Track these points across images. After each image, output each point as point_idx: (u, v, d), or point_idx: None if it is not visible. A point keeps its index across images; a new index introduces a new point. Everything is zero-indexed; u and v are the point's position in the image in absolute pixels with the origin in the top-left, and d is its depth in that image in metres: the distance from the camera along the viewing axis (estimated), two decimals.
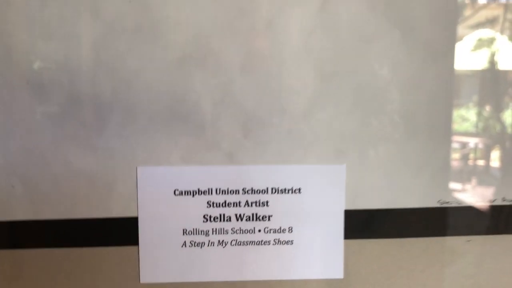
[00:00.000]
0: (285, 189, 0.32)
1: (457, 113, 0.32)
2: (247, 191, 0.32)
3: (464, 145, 0.33)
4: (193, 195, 0.32)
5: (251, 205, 0.32)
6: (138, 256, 0.33)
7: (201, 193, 0.32)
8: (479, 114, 0.33)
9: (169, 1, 0.30)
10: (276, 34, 0.30)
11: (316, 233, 0.33)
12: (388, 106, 0.32)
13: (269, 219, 0.33)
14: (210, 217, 0.32)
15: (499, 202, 0.33)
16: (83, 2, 0.29)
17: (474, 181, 0.34)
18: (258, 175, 0.32)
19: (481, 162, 0.33)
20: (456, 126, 0.32)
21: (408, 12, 0.31)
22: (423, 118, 0.32)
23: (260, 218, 0.33)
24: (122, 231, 0.32)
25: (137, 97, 0.30)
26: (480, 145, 0.34)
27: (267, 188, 0.32)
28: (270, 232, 0.33)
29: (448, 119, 0.32)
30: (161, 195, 0.32)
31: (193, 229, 0.33)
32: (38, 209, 0.32)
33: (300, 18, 0.30)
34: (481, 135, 0.34)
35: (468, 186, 0.33)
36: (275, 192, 0.32)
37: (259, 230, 0.33)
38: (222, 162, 0.32)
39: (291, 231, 0.33)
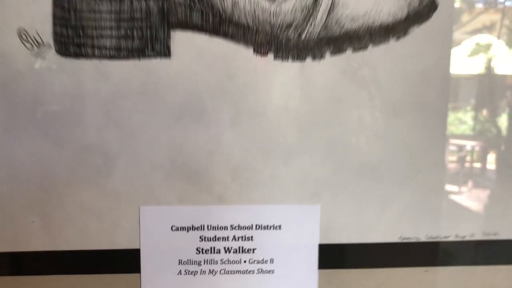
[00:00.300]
0: (267, 226, 0.37)
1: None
2: (235, 227, 0.37)
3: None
4: (187, 231, 0.37)
5: (238, 240, 0.37)
6: (140, 282, 0.37)
7: (195, 229, 0.36)
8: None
9: (169, 67, 0.34)
10: (260, 94, 0.35)
11: (294, 264, 0.37)
12: (356, 156, 0.36)
13: (253, 252, 0.37)
14: (202, 249, 0.37)
15: (452, 238, 0.38)
16: (95, 67, 0.34)
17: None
18: (244, 213, 0.36)
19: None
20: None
21: (373, 77, 0.36)
22: (386, 166, 0.36)
23: (246, 250, 0.37)
24: (127, 261, 0.36)
25: (141, 147, 0.35)
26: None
27: (252, 225, 0.37)
28: (254, 263, 0.37)
29: (411, 165, 0.37)
30: (160, 230, 0.36)
31: (187, 259, 0.37)
32: (54, 241, 0.36)
33: (281, 82, 0.35)
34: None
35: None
36: (258, 228, 0.37)
37: (245, 261, 0.37)
38: (213, 203, 0.36)
39: (272, 262, 0.37)
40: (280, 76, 0.35)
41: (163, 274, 0.36)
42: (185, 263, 0.36)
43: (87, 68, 0.34)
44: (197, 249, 0.36)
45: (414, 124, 0.36)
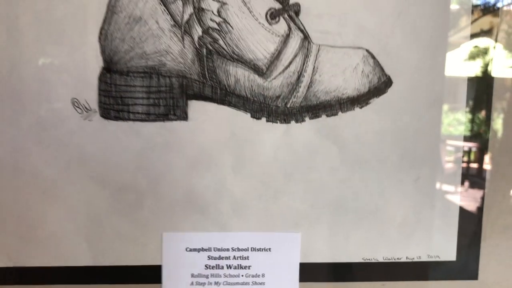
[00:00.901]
0: (260, 248, 0.46)
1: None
2: (235, 249, 0.46)
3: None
4: (198, 251, 0.46)
5: (237, 259, 0.46)
6: None
7: (204, 250, 0.46)
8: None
9: (186, 127, 0.44)
10: (255, 148, 0.45)
11: (280, 278, 0.47)
12: (328, 195, 0.46)
13: (249, 268, 0.46)
14: (210, 266, 0.46)
15: (403, 260, 0.48)
16: (130, 127, 0.44)
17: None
18: (242, 239, 0.46)
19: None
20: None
21: (341, 136, 0.45)
22: (351, 203, 0.45)
23: (243, 267, 0.46)
24: (151, 274, 0.46)
25: (164, 188, 0.44)
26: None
27: (248, 247, 0.46)
28: (249, 277, 0.46)
29: (370, 203, 0.46)
30: (177, 251, 0.46)
31: (198, 273, 0.46)
32: (98, 259, 0.46)
33: (272, 139, 0.45)
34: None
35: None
36: (253, 250, 0.46)
37: (242, 275, 0.46)
38: (218, 230, 0.46)
39: (264, 276, 0.46)
40: (271, 135, 0.44)
41: (179, 285, 0.46)
42: (196, 276, 0.46)
43: (124, 128, 0.43)
44: (205, 265, 0.46)
45: (373, 172, 0.46)
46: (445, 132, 0.45)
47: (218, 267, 0.46)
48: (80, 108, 0.43)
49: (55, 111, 0.42)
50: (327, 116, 0.44)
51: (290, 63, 0.43)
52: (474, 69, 0.45)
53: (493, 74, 0.46)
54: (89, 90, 0.42)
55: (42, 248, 0.44)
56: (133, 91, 0.43)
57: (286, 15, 0.42)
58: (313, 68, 0.43)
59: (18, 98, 0.42)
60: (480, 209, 0.47)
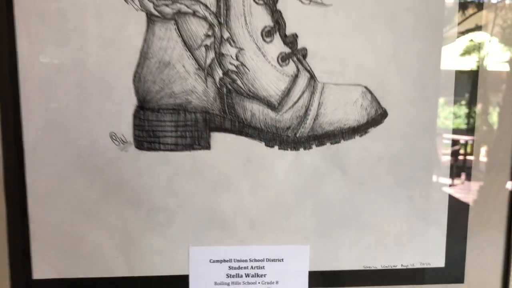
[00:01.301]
0: (274, 259, 0.52)
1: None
2: (252, 260, 0.52)
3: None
4: (220, 262, 0.52)
5: (254, 268, 0.52)
6: None
7: (225, 261, 0.52)
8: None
9: (209, 155, 0.49)
10: (269, 173, 0.51)
11: (292, 284, 0.53)
12: (333, 213, 0.51)
13: (264, 276, 0.52)
14: (230, 275, 0.52)
15: (398, 267, 0.54)
16: (161, 156, 0.49)
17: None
18: (259, 251, 0.52)
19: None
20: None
21: (344, 161, 0.51)
22: (352, 220, 0.51)
23: (259, 275, 0.52)
24: (180, 283, 0.52)
25: (190, 208, 0.50)
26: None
27: (263, 258, 0.52)
28: (265, 284, 0.52)
29: (370, 219, 0.52)
30: (202, 262, 0.52)
31: (220, 281, 0.52)
32: (133, 270, 0.52)
33: (283, 164, 0.50)
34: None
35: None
36: (268, 261, 0.52)
37: (258, 283, 0.52)
38: (237, 244, 0.52)
39: (277, 283, 0.52)
40: (282, 160, 0.50)
41: None
42: (218, 284, 0.52)
43: (155, 157, 0.49)
44: (226, 274, 0.52)
45: (371, 192, 0.52)
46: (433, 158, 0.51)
47: (237, 276, 0.52)
48: (117, 141, 0.49)
49: (95, 143, 0.48)
50: (331, 143, 0.50)
51: (299, 99, 0.49)
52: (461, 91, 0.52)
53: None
54: (125, 125, 0.48)
55: (85, 262, 0.50)
56: (163, 125, 0.49)
57: (295, 58, 0.48)
58: (319, 103, 0.49)
59: (63, 132, 0.48)
60: (465, 226, 0.53)
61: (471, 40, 0.50)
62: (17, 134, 0.47)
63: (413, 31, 0.48)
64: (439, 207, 0.52)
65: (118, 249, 0.50)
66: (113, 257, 0.50)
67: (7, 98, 0.46)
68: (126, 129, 0.48)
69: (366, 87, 0.49)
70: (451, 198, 0.52)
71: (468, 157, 0.52)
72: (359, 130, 0.50)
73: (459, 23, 0.49)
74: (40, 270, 0.50)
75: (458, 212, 0.53)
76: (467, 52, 0.50)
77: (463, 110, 0.51)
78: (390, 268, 0.52)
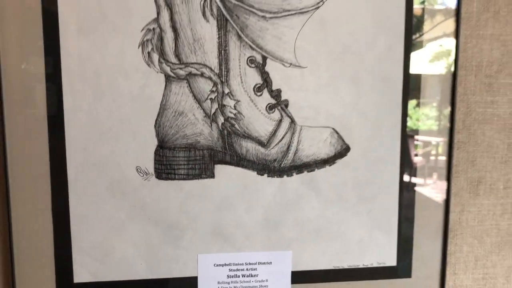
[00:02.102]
0: (264, 262, 0.65)
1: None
2: (247, 263, 0.64)
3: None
4: (222, 266, 0.64)
5: (249, 270, 0.64)
6: None
7: (226, 265, 0.64)
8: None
9: (214, 182, 0.62)
10: (261, 195, 0.63)
11: (279, 282, 0.65)
12: (309, 226, 0.65)
13: (257, 276, 0.64)
14: (230, 276, 0.64)
15: (361, 266, 0.67)
16: (176, 184, 0.62)
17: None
18: (252, 256, 0.64)
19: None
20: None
21: (317, 185, 0.64)
22: (324, 232, 0.65)
23: (252, 275, 0.64)
24: (191, 283, 0.64)
25: (198, 225, 0.63)
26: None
27: (256, 262, 0.64)
28: (257, 282, 0.64)
29: (340, 232, 0.66)
30: (208, 266, 0.64)
31: (222, 281, 0.64)
32: (153, 273, 0.63)
33: (271, 188, 0.63)
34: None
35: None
36: (260, 264, 0.64)
37: (252, 281, 0.64)
38: (236, 251, 0.64)
39: (267, 281, 0.65)
40: (270, 186, 0.63)
41: None
42: (221, 283, 0.64)
43: (171, 185, 0.61)
44: (227, 275, 0.64)
45: (339, 209, 0.65)
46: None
47: (236, 276, 0.64)
48: (141, 173, 0.61)
49: (124, 175, 0.60)
50: (308, 172, 0.63)
51: (282, 138, 0.62)
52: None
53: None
54: (148, 160, 0.60)
55: (115, 268, 0.62)
56: (177, 160, 0.61)
57: (279, 107, 0.61)
58: (298, 141, 0.62)
59: (98, 167, 0.59)
60: (412, 234, 0.67)
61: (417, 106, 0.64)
62: (63, 168, 0.59)
63: (371, 86, 0.62)
64: (391, 219, 0.66)
65: (142, 257, 0.62)
66: (137, 263, 0.62)
67: (56, 142, 0.58)
68: (149, 164, 0.60)
69: (333, 129, 0.62)
70: (400, 212, 0.66)
71: (413, 179, 0.66)
72: (328, 161, 0.63)
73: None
74: (80, 275, 0.61)
75: (406, 223, 0.66)
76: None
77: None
78: (354, 267, 0.66)
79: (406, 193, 0.65)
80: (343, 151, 0.63)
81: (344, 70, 0.61)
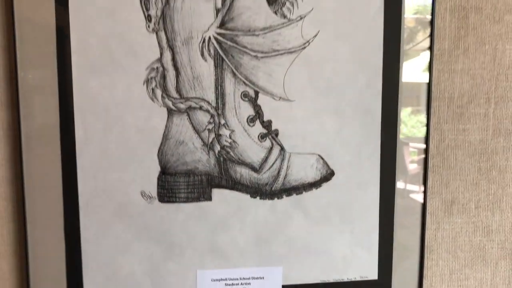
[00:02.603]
0: (257, 277, 0.70)
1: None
2: (241, 278, 0.70)
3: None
4: (219, 281, 0.70)
5: (243, 284, 0.69)
6: None
7: (223, 280, 0.69)
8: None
9: (211, 204, 0.68)
10: (253, 215, 0.69)
11: None
12: (298, 243, 0.71)
13: None
14: None
15: (345, 280, 0.73)
16: (177, 206, 0.68)
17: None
18: (246, 272, 0.70)
19: None
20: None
21: (304, 206, 0.71)
22: (313, 247, 0.70)
23: None
24: None
25: (197, 243, 0.68)
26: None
27: (250, 277, 0.70)
28: None
29: (326, 251, 0.72)
30: (206, 281, 0.69)
31: None
32: (155, 287, 0.70)
33: (263, 209, 0.69)
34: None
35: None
36: (253, 278, 0.70)
37: None
38: (231, 267, 0.70)
39: None
40: (262, 207, 0.68)
41: None
42: None
43: (172, 207, 0.67)
44: None
45: (325, 228, 0.71)
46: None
47: None
48: (145, 197, 0.66)
49: (130, 199, 0.66)
50: (296, 194, 0.69)
51: (273, 164, 0.68)
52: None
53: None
54: (151, 185, 0.66)
55: (122, 283, 0.67)
56: (178, 185, 0.67)
57: (270, 136, 0.68)
58: (287, 166, 0.69)
59: (107, 192, 0.65)
60: (391, 250, 0.73)
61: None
62: (74, 194, 0.64)
63: (352, 118, 0.68)
64: (372, 237, 0.72)
65: (146, 273, 0.67)
66: (143, 279, 0.68)
67: (68, 171, 0.64)
68: (152, 188, 0.66)
69: (319, 155, 0.68)
70: (380, 230, 0.72)
71: (393, 201, 0.72)
72: (315, 184, 0.69)
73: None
74: None
75: (386, 241, 0.72)
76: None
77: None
78: (339, 281, 0.71)
79: (386, 213, 0.71)
80: (328, 175, 0.69)
81: (328, 103, 0.67)
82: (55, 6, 0.61)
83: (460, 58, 0.71)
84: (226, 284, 0.69)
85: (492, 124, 0.72)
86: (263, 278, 0.70)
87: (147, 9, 0.62)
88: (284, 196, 0.68)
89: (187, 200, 0.67)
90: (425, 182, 0.71)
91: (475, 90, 0.71)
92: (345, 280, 0.71)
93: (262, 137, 0.67)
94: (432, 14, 0.68)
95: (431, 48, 0.68)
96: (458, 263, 0.75)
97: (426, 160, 0.70)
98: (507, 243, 0.75)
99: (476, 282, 0.75)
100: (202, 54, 0.64)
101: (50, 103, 0.62)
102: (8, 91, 0.63)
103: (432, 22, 0.67)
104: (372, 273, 0.72)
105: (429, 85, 0.69)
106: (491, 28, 0.70)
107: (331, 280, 0.71)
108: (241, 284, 0.69)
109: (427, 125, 0.69)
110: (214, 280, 0.69)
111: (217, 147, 0.66)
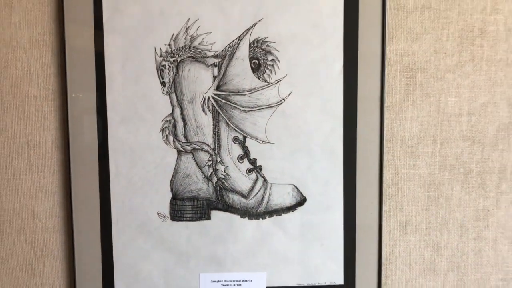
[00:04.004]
0: (246, 280, 0.88)
1: None
2: (234, 281, 0.87)
3: None
4: (217, 282, 0.88)
5: (236, 286, 0.88)
6: None
7: (219, 281, 0.88)
8: None
9: (210, 223, 0.87)
10: (243, 231, 0.88)
11: None
12: (279, 255, 0.88)
13: None
14: None
15: (316, 284, 0.90)
16: (185, 224, 0.87)
17: None
18: (238, 276, 0.87)
19: None
20: None
21: (283, 225, 0.89)
22: (291, 259, 0.88)
23: None
24: None
25: (200, 253, 0.87)
26: None
27: (241, 280, 0.87)
28: None
29: (304, 259, 0.90)
30: (206, 282, 0.88)
31: None
32: (167, 286, 0.89)
33: (251, 228, 0.88)
34: None
35: None
36: (243, 281, 0.87)
37: None
38: (226, 272, 0.88)
39: None
40: (250, 226, 0.87)
41: None
42: None
43: (181, 225, 0.86)
44: None
45: (300, 243, 0.89)
46: None
47: None
48: (160, 216, 0.86)
49: (149, 218, 0.86)
50: (277, 216, 0.87)
51: (258, 192, 0.87)
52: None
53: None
54: (165, 208, 0.86)
55: (141, 282, 0.87)
56: (185, 207, 0.86)
57: (255, 171, 0.86)
58: (269, 194, 0.87)
59: (133, 213, 0.86)
60: (354, 260, 0.90)
61: None
62: (108, 214, 0.85)
63: (320, 156, 0.86)
64: (338, 250, 0.88)
65: (161, 276, 0.87)
66: (158, 280, 0.87)
67: (104, 197, 0.85)
68: (166, 210, 0.86)
69: (294, 185, 0.86)
70: (345, 245, 0.89)
71: (355, 222, 0.88)
72: (291, 208, 0.87)
73: None
74: (118, 286, 0.87)
75: (350, 254, 0.89)
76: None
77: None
78: (312, 285, 0.89)
79: (349, 231, 0.87)
80: (302, 201, 0.87)
81: (300, 145, 0.85)
82: (95, 80, 0.83)
83: (409, 108, 0.87)
84: (222, 285, 0.88)
85: (438, 161, 0.88)
86: (251, 280, 0.88)
87: (162, 77, 0.83)
88: (267, 217, 0.87)
89: (192, 219, 0.86)
90: (380, 208, 0.87)
91: (423, 133, 0.88)
92: (317, 284, 0.88)
93: (249, 171, 0.86)
94: (382, 74, 0.85)
95: (381, 101, 0.85)
96: (412, 273, 0.90)
97: (380, 189, 0.87)
98: (454, 257, 0.90)
99: None
100: (203, 110, 0.84)
101: (91, 148, 0.84)
102: (60, 133, 0.84)
103: (382, 81, 0.85)
104: (339, 279, 0.88)
105: (381, 130, 0.86)
106: (434, 84, 0.87)
107: (306, 284, 0.88)
108: (234, 285, 0.88)
109: (380, 162, 0.86)
110: (213, 281, 0.87)
111: (215, 179, 0.86)
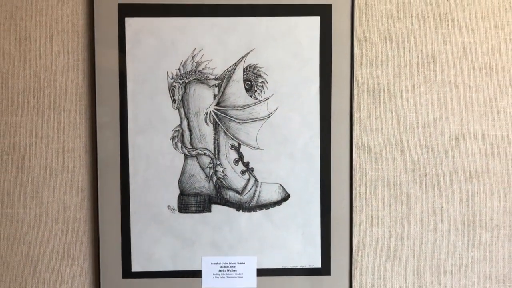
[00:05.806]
0: (240, 263, 1.03)
1: None
2: (230, 263, 1.03)
3: None
4: (216, 264, 1.03)
5: (231, 267, 1.03)
6: (201, 283, 1.06)
7: (218, 264, 1.02)
8: None
9: (210, 216, 1.04)
10: (238, 221, 1.04)
11: (249, 275, 1.04)
12: (267, 243, 1.05)
13: (236, 271, 1.03)
14: (220, 270, 1.03)
15: (299, 267, 1.07)
16: (189, 215, 1.04)
17: None
18: (233, 259, 1.02)
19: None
20: None
21: (270, 218, 1.06)
22: (276, 246, 1.05)
23: (234, 271, 1.02)
24: (197, 274, 1.05)
25: (202, 240, 1.03)
26: None
27: (236, 263, 1.02)
28: (236, 274, 1.04)
29: (287, 244, 1.06)
30: (207, 263, 1.03)
31: (215, 273, 1.03)
32: (175, 267, 1.05)
33: (244, 218, 1.04)
34: None
35: None
36: (238, 264, 1.02)
37: (234, 274, 1.03)
38: (224, 255, 1.04)
39: (242, 274, 1.03)
40: (244, 217, 1.02)
41: (209, 277, 1.05)
42: (215, 275, 1.03)
43: (187, 216, 1.02)
44: (218, 270, 1.02)
45: (285, 232, 1.05)
46: None
47: (223, 271, 1.03)
48: (170, 208, 1.03)
49: (160, 210, 1.03)
50: (266, 209, 1.03)
51: (250, 189, 1.04)
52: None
53: None
54: (174, 202, 1.03)
55: (154, 263, 1.04)
56: (190, 202, 1.03)
57: (248, 171, 1.04)
58: (259, 191, 1.04)
59: (146, 206, 1.03)
60: (329, 246, 1.06)
61: None
62: (127, 207, 1.02)
63: (301, 160, 1.02)
64: (315, 238, 1.05)
65: (170, 258, 1.03)
66: (167, 262, 1.03)
67: (124, 194, 1.02)
68: (174, 204, 1.03)
69: (280, 184, 1.03)
70: (321, 234, 1.05)
71: (330, 214, 1.05)
72: (278, 203, 1.04)
73: None
74: (135, 267, 1.03)
75: (326, 241, 1.05)
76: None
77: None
78: (295, 267, 1.04)
79: (325, 222, 1.04)
80: (286, 197, 1.03)
81: (285, 151, 1.02)
82: (119, 97, 1.01)
83: (375, 121, 1.05)
84: (220, 267, 1.04)
85: (400, 165, 1.05)
86: (244, 263, 1.04)
87: (173, 95, 1.01)
88: (258, 210, 1.03)
89: (196, 211, 1.03)
90: (351, 203, 1.04)
91: (386, 142, 1.05)
92: (299, 267, 1.04)
93: (243, 172, 1.03)
94: (352, 94, 1.03)
95: (351, 115, 1.03)
96: (379, 259, 1.06)
97: (351, 188, 1.04)
98: (414, 246, 1.06)
99: (393, 273, 1.06)
100: (206, 122, 1.02)
101: (114, 155, 1.01)
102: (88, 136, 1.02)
103: (351, 99, 1.02)
104: (317, 263, 1.04)
105: (351, 139, 1.03)
106: (395, 102, 1.04)
107: (289, 266, 1.04)
108: (230, 266, 1.04)
109: (351, 165, 1.03)
110: (212, 264, 1.04)
111: (215, 178, 1.03)
